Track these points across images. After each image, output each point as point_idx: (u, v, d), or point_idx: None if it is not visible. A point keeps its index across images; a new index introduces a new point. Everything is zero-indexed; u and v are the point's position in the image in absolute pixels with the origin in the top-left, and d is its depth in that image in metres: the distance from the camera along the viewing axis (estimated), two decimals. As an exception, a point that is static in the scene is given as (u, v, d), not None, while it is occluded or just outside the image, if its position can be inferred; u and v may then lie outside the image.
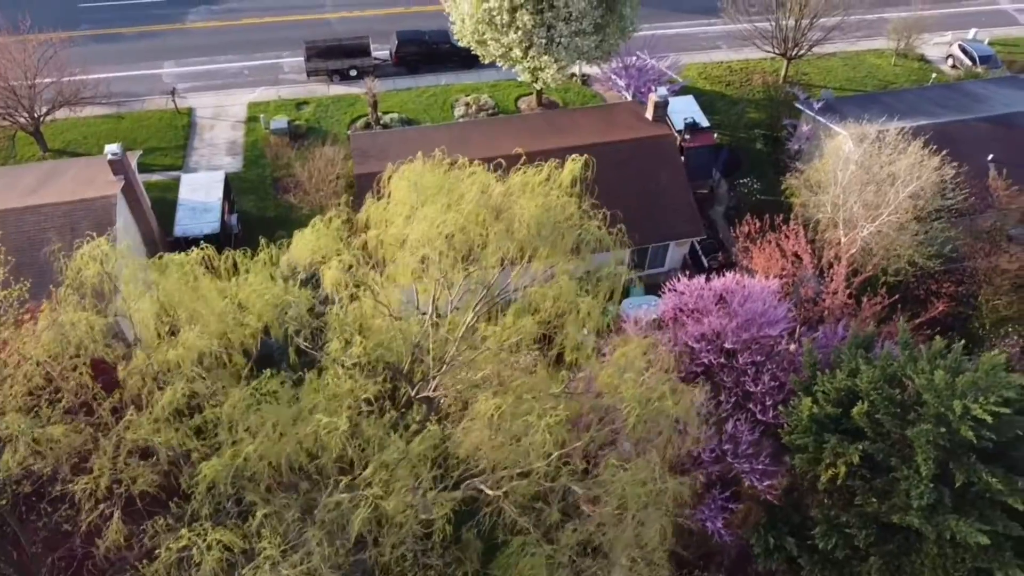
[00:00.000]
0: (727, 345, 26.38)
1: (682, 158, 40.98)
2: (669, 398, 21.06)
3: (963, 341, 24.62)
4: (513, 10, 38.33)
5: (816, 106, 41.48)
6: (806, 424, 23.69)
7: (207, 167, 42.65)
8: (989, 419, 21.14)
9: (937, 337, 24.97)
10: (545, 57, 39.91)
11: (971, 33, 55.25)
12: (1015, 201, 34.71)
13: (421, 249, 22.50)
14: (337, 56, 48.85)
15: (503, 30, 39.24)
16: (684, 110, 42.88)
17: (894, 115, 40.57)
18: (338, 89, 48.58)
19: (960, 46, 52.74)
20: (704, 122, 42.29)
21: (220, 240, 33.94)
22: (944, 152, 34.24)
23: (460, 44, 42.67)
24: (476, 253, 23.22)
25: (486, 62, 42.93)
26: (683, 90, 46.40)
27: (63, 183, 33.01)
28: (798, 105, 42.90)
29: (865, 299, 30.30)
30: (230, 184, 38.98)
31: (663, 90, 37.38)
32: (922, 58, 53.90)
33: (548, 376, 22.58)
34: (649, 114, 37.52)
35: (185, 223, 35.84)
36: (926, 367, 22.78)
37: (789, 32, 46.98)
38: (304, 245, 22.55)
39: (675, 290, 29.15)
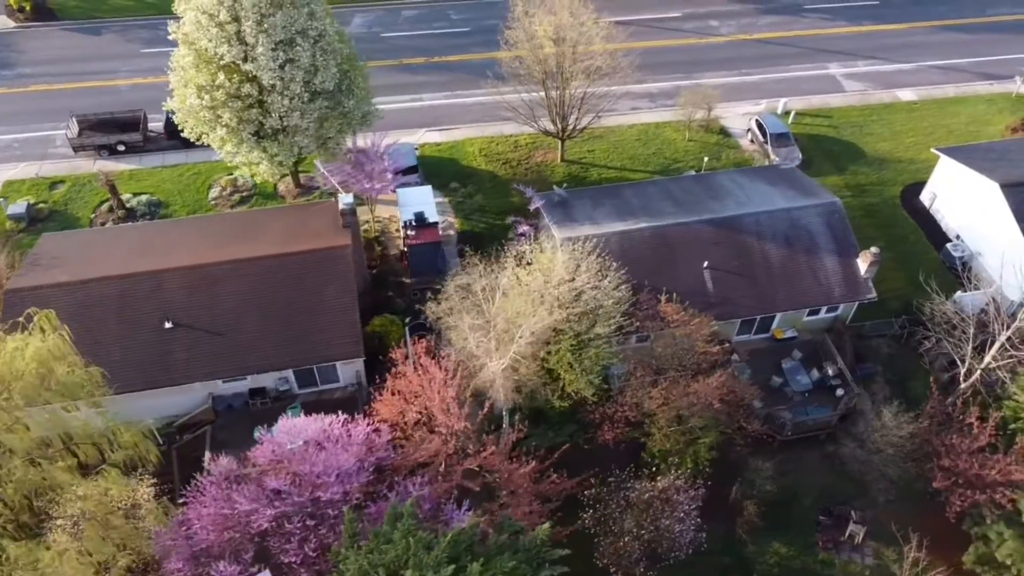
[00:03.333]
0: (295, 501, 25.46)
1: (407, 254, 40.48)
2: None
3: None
4: (214, 108, 37.39)
5: (539, 202, 40.33)
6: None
7: (-66, 255, 42.02)
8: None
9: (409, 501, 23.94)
10: (255, 152, 39.05)
11: (780, 104, 53.83)
12: (685, 326, 33.43)
13: None
14: (109, 130, 48.23)
15: (210, 124, 38.33)
16: (416, 202, 41.88)
17: (625, 213, 39.54)
18: (102, 165, 47.82)
19: (757, 120, 51.30)
20: (433, 216, 41.23)
21: None
22: (661, 255, 33.92)
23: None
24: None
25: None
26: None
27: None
28: (534, 200, 41.76)
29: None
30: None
31: (348, 197, 36.32)
32: (723, 131, 52.47)
33: None
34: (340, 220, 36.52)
35: None
36: (393, 535, 21.97)
37: (556, 108, 45.60)
38: None
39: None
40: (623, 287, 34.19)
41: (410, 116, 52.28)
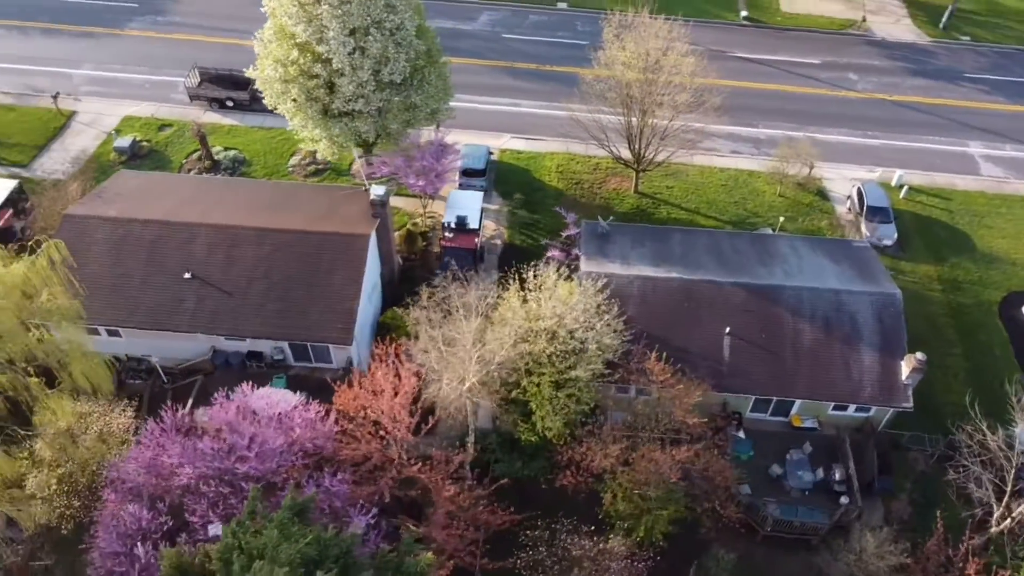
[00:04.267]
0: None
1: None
2: None
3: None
4: (286, 81, 39.18)
5: (575, 229, 39.32)
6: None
7: (45, 171, 46.96)
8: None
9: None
10: (318, 130, 40.55)
11: (896, 175, 49.34)
12: (669, 389, 31.48)
13: None
14: (224, 85, 51.76)
15: (282, 97, 40.19)
16: (464, 206, 41.99)
17: (661, 258, 37.91)
18: (210, 117, 51.38)
19: (859, 188, 47.28)
20: (475, 223, 41.21)
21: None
22: (682, 310, 33.33)
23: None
24: None
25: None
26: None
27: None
28: (571, 226, 40.66)
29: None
30: (21, 194, 42.53)
31: (380, 189, 36.91)
32: (820, 192, 48.80)
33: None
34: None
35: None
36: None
37: (634, 136, 44.04)
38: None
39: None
40: (620, 333, 32.81)
41: (502, 120, 52.44)
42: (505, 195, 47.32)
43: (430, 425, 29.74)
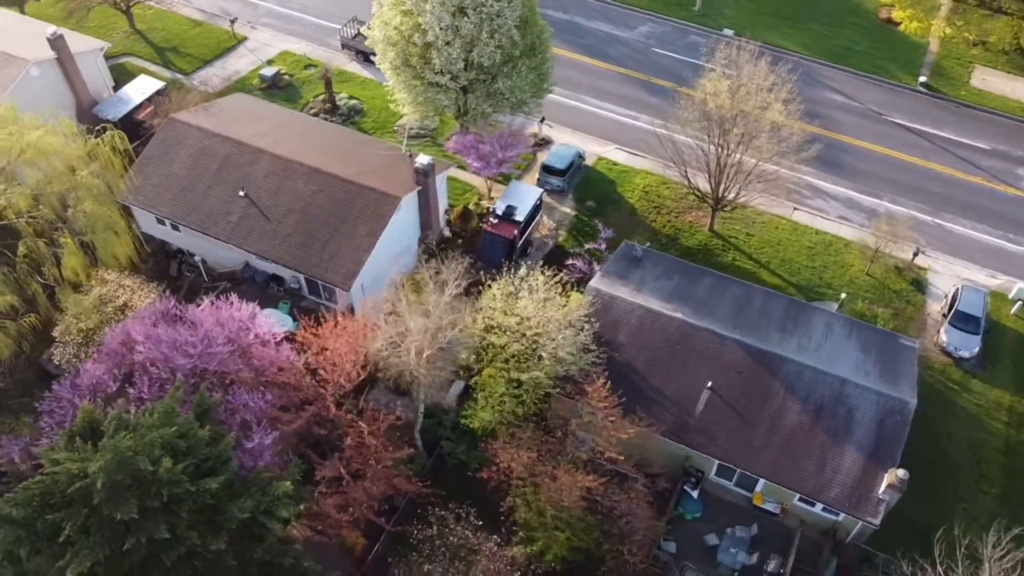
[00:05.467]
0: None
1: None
2: None
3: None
4: (387, 43, 41.97)
5: (602, 244, 38.96)
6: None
7: (200, 81, 53.56)
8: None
9: None
10: (407, 94, 43.11)
11: (1016, 287, 43.61)
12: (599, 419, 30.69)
13: None
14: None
15: (382, 57, 42.97)
16: (519, 198, 42.86)
17: (677, 296, 36.91)
18: (353, 68, 55.75)
19: (957, 288, 42.42)
20: (522, 216, 41.97)
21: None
22: (672, 351, 34.07)
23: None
24: None
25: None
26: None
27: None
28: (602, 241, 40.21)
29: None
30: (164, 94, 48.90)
31: (426, 158, 38.62)
32: (917, 283, 44.31)
33: None
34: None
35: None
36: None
37: (714, 168, 42.31)
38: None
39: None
40: (586, 354, 32.53)
41: (615, 130, 52.27)
42: (580, 200, 47.51)
43: (363, 377, 31.34)
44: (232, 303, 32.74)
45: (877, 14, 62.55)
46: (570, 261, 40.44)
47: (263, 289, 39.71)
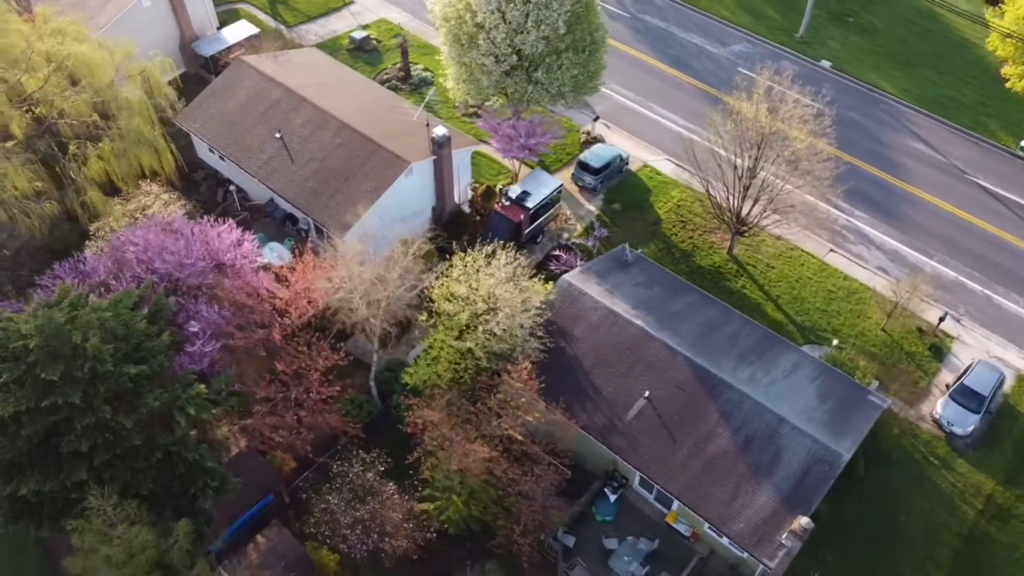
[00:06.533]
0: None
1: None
2: None
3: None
4: (444, 19, 44.14)
5: (593, 242, 39.41)
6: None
7: (298, 35, 57.97)
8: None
9: None
10: (453, 69, 45.15)
11: (1045, 375, 40.28)
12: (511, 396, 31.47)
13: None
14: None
15: (440, 31, 45.15)
16: (537, 186, 43.94)
17: (647, 305, 37.00)
18: (439, 43, 58.32)
19: (974, 362, 39.61)
20: (533, 203, 43.04)
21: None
22: (621, 355, 34.58)
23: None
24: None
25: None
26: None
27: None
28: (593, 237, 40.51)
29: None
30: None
31: (443, 130, 40.40)
32: (935, 348, 41.67)
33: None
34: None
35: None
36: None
37: (736, 181, 41.47)
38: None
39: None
40: (531, 339, 33.49)
41: (673, 140, 51.42)
42: (608, 200, 47.89)
43: (311, 314, 33.85)
44: (224, 225, 36.09)
45: (998, 69, 58.33)
46: (556, 252, 41.17)
47: (280, 226, 43.13)
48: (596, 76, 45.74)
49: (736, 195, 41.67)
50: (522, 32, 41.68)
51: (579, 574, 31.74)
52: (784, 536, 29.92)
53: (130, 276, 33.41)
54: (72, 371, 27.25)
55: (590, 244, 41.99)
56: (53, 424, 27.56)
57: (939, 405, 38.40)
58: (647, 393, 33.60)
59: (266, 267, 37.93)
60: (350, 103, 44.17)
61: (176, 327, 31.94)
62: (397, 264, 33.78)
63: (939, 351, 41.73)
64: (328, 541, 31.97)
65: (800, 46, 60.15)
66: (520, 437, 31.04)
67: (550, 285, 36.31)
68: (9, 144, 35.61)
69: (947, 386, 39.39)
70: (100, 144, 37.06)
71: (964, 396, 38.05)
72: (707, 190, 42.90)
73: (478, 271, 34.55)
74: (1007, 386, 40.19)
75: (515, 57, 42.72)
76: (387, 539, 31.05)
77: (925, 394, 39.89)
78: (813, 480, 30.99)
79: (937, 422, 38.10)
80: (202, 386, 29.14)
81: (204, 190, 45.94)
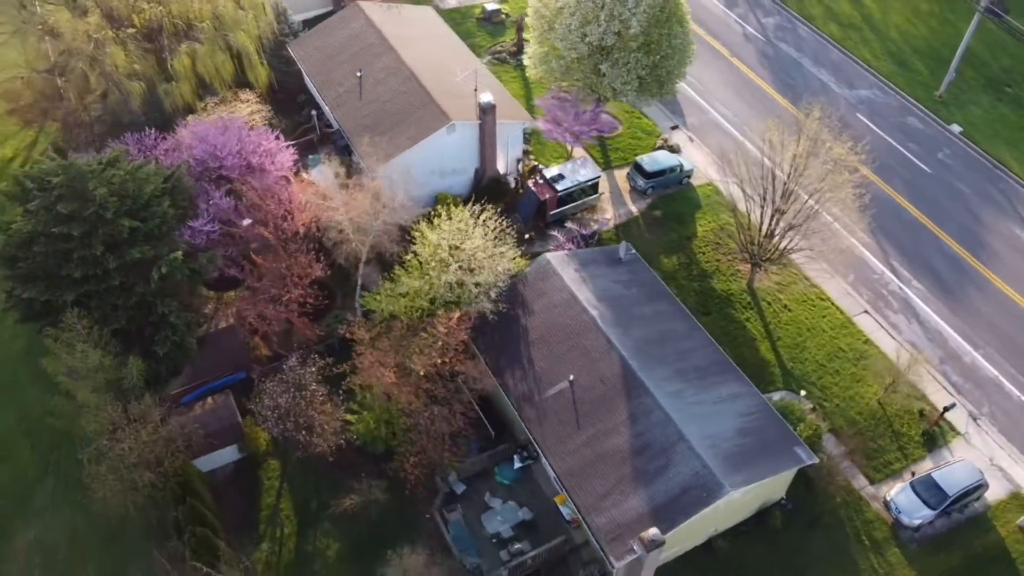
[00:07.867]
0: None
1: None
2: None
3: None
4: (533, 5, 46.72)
5: (590, 232, 40.48)
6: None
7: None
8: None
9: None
10: (535, 48, 47.52)
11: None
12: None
13: None
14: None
15: (531, 14, 47.64)
16: (575, 173, 45.47)
17: (615, 303, 37.86)
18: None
19: (961, 461, 36.66)
20: (565, 187, 44.65)
21: None
22: (562, 337, 35.88)
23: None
24: None
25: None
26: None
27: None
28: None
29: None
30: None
31: (489, 96, 42.82)
32: (928, 436, 38.71)
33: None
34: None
35: None
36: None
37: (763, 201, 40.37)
38: None
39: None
40: (481, 299, 35.72)
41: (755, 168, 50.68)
42: (652, 206, 48.28)
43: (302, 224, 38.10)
44: (263, 131, 41.35)
45: None
46: (553, 232, 42.55)
47: (340, 153, 47.86)
48: (667, 83, 46.22)
49: (767, 205, 40.31)
50: (592, 22, 43.21)
51: (452, 518, 33.74)
52: (635, 543, 30.18)
53: (178, 156, 39.34)
54: (82, 211, 33.19)
55: (583, 231, 42.87)
56: (59, 252, 33.66)
57: (895, 489, 36.03)
58: (571, 377, 34.66)
59: (309, 183, 42.70)
60: (431, 59, 47.84)
61: (191, 202, 37.39)
62: (392, 201, 37.23)
63: (932, 440, 38.75)
64: (259, 421, 36.17)
65: (935, 105, 56.23)
66: (423, 372, 33.50)
67: (524, 261, 38.16)
68: (130, 31, 42.84)
69: (913, 473, 36.76)
70: (194, 45, 43.51)
71: (925, 487, 35.44)
72: (734, 213, 42.30)
73: (463, 231, 37.07)
74: (992, 498, 36.74)
75: (585, 47, 44.31)
76: (304, 433, 34.65)
77: (895, 477, 37.41)
78: (687, 502, 30.83)
79: (887, 505, 35.82)
80: (179, 254, 34.26)
81: (305, 112, 51.75)
